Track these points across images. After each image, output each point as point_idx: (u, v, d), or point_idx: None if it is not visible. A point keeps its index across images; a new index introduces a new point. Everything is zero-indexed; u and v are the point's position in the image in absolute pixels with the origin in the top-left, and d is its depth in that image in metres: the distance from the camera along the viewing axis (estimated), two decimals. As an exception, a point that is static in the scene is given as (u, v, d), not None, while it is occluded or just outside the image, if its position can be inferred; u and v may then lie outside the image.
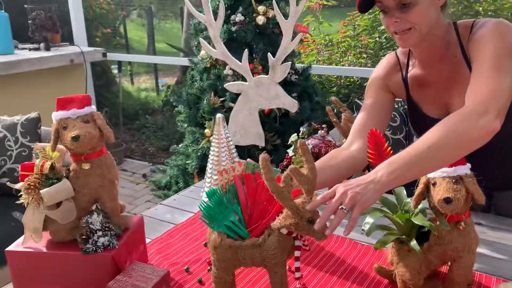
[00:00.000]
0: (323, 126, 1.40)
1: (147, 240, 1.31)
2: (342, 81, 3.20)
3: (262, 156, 0.91)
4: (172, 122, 4.58)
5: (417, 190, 1.01)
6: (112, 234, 1.03)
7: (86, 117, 1.03)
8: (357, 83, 3.25)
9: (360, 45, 3.23)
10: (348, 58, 3.17)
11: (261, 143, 1.70)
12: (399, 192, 1.10)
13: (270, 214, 0.98)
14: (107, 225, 1.03)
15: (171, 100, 2.25)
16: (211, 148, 1.37)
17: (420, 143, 1.00)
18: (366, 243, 1.27)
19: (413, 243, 1.00)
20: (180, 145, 2.22)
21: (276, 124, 2.06)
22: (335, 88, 3.19)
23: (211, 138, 1.99)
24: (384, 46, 3.22)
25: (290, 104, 1.62)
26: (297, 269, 0.97)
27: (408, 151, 0.99)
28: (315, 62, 2.69)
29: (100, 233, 1.02)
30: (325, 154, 1.39)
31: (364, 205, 0.93)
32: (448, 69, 1.23)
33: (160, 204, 1.58)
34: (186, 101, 2.12)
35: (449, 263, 1.02)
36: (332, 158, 1.25)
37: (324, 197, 0.96)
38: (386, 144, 1.01)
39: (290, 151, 1.42)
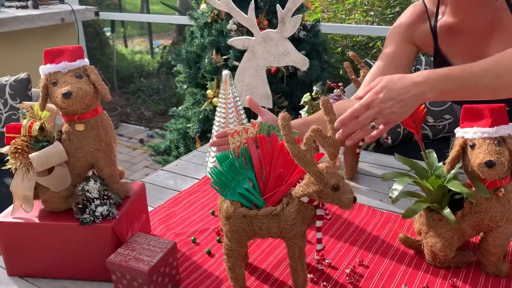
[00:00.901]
0: (339, 84, 1.28)
1: (149, 209, 1.21)
2: (347, 41, 3.05)
3: (282, 115, 0.79)
4: (169, 86, 4.44)
5: (452, 153, 0.90)
6: (111, 203, 0.93)
7: (78, 71, 0.90)
8: (363, 43, 3.11)
9: (366, 2, 3.06)
10: (354, 16, 3.01)
11: (269, 105, 1.58)
12: (429, 156, 1.00)
13: (288, 180, 0.88)
14: (105, 193, 0.92)
15: (169, 58, 2.10)
16: (217, 109, 1.26)
17: (474, 64, 0.92)
18: (387, 210, 1.18)
19: (447, 211, 0.90)
20: (180, 108, 2.10)
21: (283, 84, 1.93)
22: (339, 48, 3.05)
23: (213, 99, 1.87)
24: (392, 4, 3.05)
25: (301, 61, 1.49)
26: (319, 241, 0.88)
27: (460, 68, 0.90)
28: (320, 20, 2.54)
29: (98, 201, 0.91)
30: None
31: (397, 123, 0.87)
32: (486, 15, 1.10)
33: (161, 170, 1.47)
34: (185, 60, 1.98)
35: (483, 233, 0.93)
36: (343, 109, 1.13)
37: (354, 113, 0.86)
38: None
39: (302, 112, 1.30)
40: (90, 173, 0.98)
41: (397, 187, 0.91)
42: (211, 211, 1.20)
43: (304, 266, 0.89)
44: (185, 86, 2.06)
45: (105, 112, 0.97)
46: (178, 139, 2.11)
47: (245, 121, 1.26)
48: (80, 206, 0.90)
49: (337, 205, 0.82)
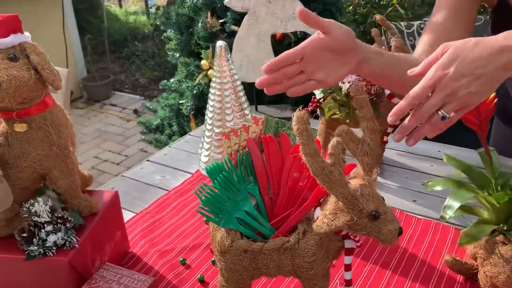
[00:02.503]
0: (363, 56, 1.01)
1: (129, 215, 0.99)
2: (359, -1, 2.73)
3: (298, 115, 0.55)
4: (164, 50, 4.14)
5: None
6: (68, 228, 0.70)
7: (13, 50, 0.65)
8: (376, 1, 2.79)
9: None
10: (367, -31, 2.68)
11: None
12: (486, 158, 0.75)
13: (306, 198, 0.64)
14: (60, 214, 0.69)
15: (158, 23, 1.82)
16: (211, 89, 1.00)
17: None
18: (423, 216, 0.94)
19: (520, 236, 0.67)
20: (171, 80, 1.84)
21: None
22: (351, 6, 2.73)
23: (209, 72, 1.61)
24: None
25: (313, 26, 1.23)
26: (348, 283, 0.65)
27: None
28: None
29: (49, 227, 0.68)
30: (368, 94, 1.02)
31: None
32: None
33: (147, 160, 1.24)
34: (176, 24, 1.70)
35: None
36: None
37: (415, 99, 0.61)
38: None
39: (317, 92, 1.05)
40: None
41: (453, 204, 0.67)
42: (205, 219, 0.97)
43: (326, 310, 0.67)
44: (177, 55, 1.79)
45: (58, 103, 0.73)
46: (171, 116, 1.86)
47: (245, 105, 1.01)
48: (25, 234, 0.67)
49: (375, 238, 0.59)
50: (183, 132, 1.85)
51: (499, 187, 0.71)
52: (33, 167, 0.70)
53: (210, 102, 1.01)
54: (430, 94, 0.61)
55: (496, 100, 0.65)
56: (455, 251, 0.85)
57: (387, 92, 1.03)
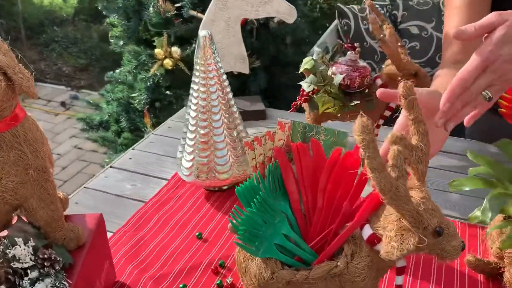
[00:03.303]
0: (354, 44, 0.95)
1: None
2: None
3: (363, 123, 0.46)
4: (89, 35, 3.83)
5: None
6: (58, 270, 0.56)
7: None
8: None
9: None
10: None
11: (245, 70, 1.23)
12: (511, 149, 0.72)
13: (351, 213, 0.56)
14: (46, 255, 0.55)
15: (100, 7, 1.62)
16: (193, 85, 0.88)
17: None
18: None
19: (557, 235, 0.64)
20: (117, 71, 1.66)
21: (252, 39, 1.55)
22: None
23: (165, 61, 1.47)
24: None
25: (287, 10, 1.14)
26: (399, 307, 0.58)
27: None
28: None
29: (34, 273, 0.54)
30: (359, 87, 0.96)
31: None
32: None
33: (111, 167, 1.09)
34: (122, 8, 1.52)
35: None
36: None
37: (464, 81, 0.56)
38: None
39: (305, 85, 0.97)
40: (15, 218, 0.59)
41: (491, 211, 0.62)
42: (197, 233, 0.86)
43: (371, 335, 0.60)
44: (121, 43, 1.61)
45: (29, 115, 0.58)
46: (119, 111, 1.69)
47: (232, 101, 0.91)
48: (2, 287, 0.53)
49: (436, 255, 0.52)
50: (134, 129, 1.68)
51: (530, 184, 0.67)
52: (4, 197, 0.55)
53: (193, 100, 0.89)
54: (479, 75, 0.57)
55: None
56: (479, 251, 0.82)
57: (379, 82, 0.97)
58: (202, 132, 0.89)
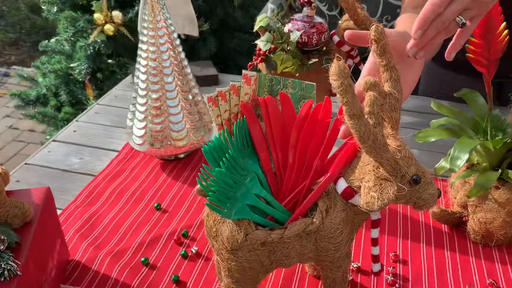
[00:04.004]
0: (310, 0, 0.91)
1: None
2: None
3: (340, 66, 0.43)
4: (16, 7, 3.54)
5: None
6: (2, 250, 0.49)
7: None
8: None
9: None
10: None
11: (194, 32, 1.16)
12: (472, 99, 0.72)
13: (323, 169, 0.53)
14: (-14, 235, 0.48)
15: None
16: (141, 45, 0.81)
17: None
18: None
19: (519, 178, 0.65)
20: (52, 41, 1.52)
21: (199, 1, 1.46)
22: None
23: (105, 27, 1.36)
24: None
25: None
26: (375, 259, 0.57)
27: None
28: None
29: (-26, 255, 0.47)
30: (317, 45, 0.93)
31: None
32: None
33: (54, 141, 1.00)
34: (53, -29, 1.38)
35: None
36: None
37: (437, 6, 0.56)
38: (503, 26, 0.59)
39: (261, 44, 0.92)
40: None
41: (460, 156, 0.61)
42: (155, 204, 0.80)
43: (347, 293, 0.58)
44: (55, 9, 1.47)
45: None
46: (58, 84, 1.55)
47: (185, 62, 0.85)
48: None
49: (413, 205, 0.51)
50: (75, 102, 1.57)
51: (493, 131, 0.68)
52: None
53: (142, 62, 0.82)
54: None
55: (507, 38, 0.60)
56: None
57: (336, 39, 0.94)
58: (154, 96, 0.83)
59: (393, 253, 0.70)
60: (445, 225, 0.77)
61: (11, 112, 2.57)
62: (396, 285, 0.65)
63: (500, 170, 0.67)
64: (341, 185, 0.52)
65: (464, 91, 0.73)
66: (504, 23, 0.58)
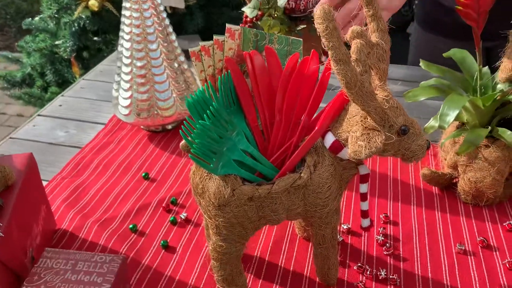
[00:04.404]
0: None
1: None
2: None
3: (324, 9, 0.42)
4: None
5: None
6: (-17, 212, 0.48)
7: None
8: None
9: None
10: None
11: (180, 4, 1.14)
12: (461, 58, 0.71)
13: (311, 125, 0.52)
14: (-34, 195, 0.47)
15: None
16: (124, 12, 0.80)
17: None
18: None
19: (508, 134, 0.65)
20: (36, 18, 1.49)
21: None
22: None
23: (89, 2, 1.33)
24: None
25: None
26: (364, 214, 0.56)
27: None
28: None
29: (-46, 216, 0.46)
30: (304, 11, 0.91)
31: None
32: None
33: (39, 115, 0.98)
34: None
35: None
36: None
37: None
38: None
39: (248, 10, 0.90)
40: None
41: (450, 113, 0.61)
42: (143, 174, 0.79)
43: (337, 250, 0.58)
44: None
45: None
46: (43, 63, 1.52)
47: (170, 28, 0.83)
48: None
49: (402, 156, 0.50)
50: (62, 81, 1.54)
51: (482, 89, 0.67)
52: None
53: (126, 29, 0.81)
54: None
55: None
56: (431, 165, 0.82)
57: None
58: (139, 64, 0.81)
59: (383, 215, 0.70)
60: (436, 187, 0.76)
61: (-2, 98, 2.53)
62: (387, 244, 0.65)
63: (490, 128, 0.67)
64: (329, 139, 0.51)
65: (454, 51, 0.72)
66: (492, -27, 0.57)
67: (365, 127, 0.47)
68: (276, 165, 0.52)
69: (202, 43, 0.52)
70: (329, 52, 0.42)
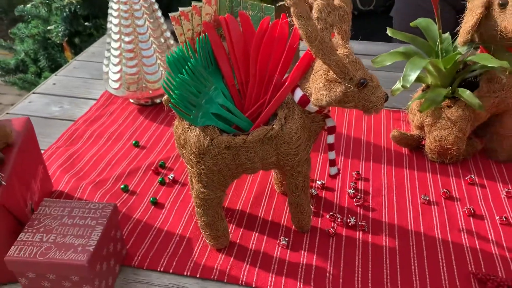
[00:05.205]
0: None
1: (37, 153, 0.81)
2: None
3: (286, -29, 0.47)
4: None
5: (472, 16, 0.68)
6: (-13, 163, 0.54)
7: None
8: None
9: None
10: None
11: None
12: (426, 26, 0.77)
13: (281, 82, 0.58)
14: (-29, 147, 0.52)
15: None
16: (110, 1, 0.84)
17: None
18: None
19: (467, 94, 0.71)
20: (28, 5, 1.53)
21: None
22: None
23: (80, -13, 1.37)
24: None
25: None
26: (332, 163, 0.62)
27: None
28: None
29: (-39, 165, 0.51)
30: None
31: None
32: None
33: (33, 93, 1.03)
34: None
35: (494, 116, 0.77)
36: None
37: None
38: None
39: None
40: None
41: (411, 73, 0.66)
42: (133, 142, 0.85)
43: (309, 199, 0.64)
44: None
45: None
46: (36, 48, 1.57)
47: (156, 5, 0.88)
48: None
49: (362, 108, 0.56)
50: (55, 67, 1.59)
51: (444, 52, 0.73)
52: None
53: (114, 6, 0.86)
54: None
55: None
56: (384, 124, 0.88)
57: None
58: (127, 39, 0.86)
59: (355, 172, 0.76)
60: (406, 149, 0.82)
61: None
62: (357, 197, 0.71)
63: (450, 88, 0.73)
64: (298, 94, 0.56)
65: (419, 20, 0.78)
66: None
67: (327, 79, 0.52)
68: (251, 120, 0.58)
69: (181, 9, 0.57)
70: (291, 9, 0.48)
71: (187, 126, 0.55)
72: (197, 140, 0.54)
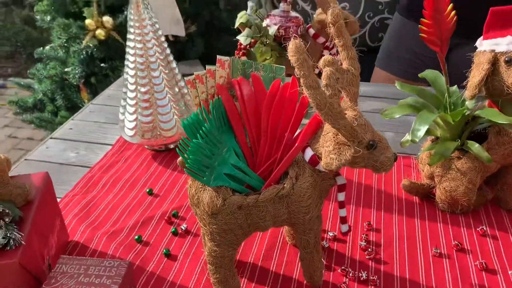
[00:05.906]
0: (287, -5, 0.97)
1: (54, 201, 0.84)
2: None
3: (296, 44, 0.49)
4: (11, 21, 3.60)
5: (479, 72, 0.70)
6: (8, 223, 0.55)
7: None
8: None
9: None
10: None
11: (181, 32, 1.23)
12: (433, 78, 0.78)
13: (292, 141, 0.60)
14: (-7, 208, 0.54)
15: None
16: (128, 43, 0.88)
17: None
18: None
19: (475, 147, 0.71)
20: (47, 47, 1.59)
21: (185, 4, 1.53)
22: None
23: (97, 31, 1.43)
24: None
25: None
26: (343, 220, 0.63)
27: None
28: None
29: (-17, 226, 0.53)
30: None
31: None
32: None
33: (51, 138, 1.06)
34: (45, -19, 1.45)
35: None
36: None
37: None
38: (450, 7, 0.65)
39: (242, 38, 0.98)
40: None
41: (421, 128, 0.68)
42: (147, 190, 0.86)
43: (321, 254, 0.64)
44: (48, 18, 1.54)
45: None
46: (53, 89, 1.62)
47: (171, 57, 0.91)
48: (-49, 241, 0.52)
49: (372, 168, 0.57)
50: (71, 106, 1.63)
51: (452, 106, 0.74)
52: None
53: (130, 58, 0.89)
54: None
55: (455, 18, 0.66)
56: (395, 175, 0.88)
57: (312, 31, 1.01)
58: (142, 90, 0.89)
59: (367, 223, 0.77)
60: (416, 197, 0.83)
61: (10, 122, 2.63)
62: (369, 249, 0.71)
63: (459, 140, 0.74)
64: (308, 153, 0.58)
65: (427, 72, 0.79)
66: (451, 4, 0.65)
67: (337, 142, 0.54)
68: (263, 178, 0.59)
69: (196, 73, 0.59)
70: (301, 80, 0.49)
71: (200, 186, 0.57)
72: (210, 200, 0.56)
